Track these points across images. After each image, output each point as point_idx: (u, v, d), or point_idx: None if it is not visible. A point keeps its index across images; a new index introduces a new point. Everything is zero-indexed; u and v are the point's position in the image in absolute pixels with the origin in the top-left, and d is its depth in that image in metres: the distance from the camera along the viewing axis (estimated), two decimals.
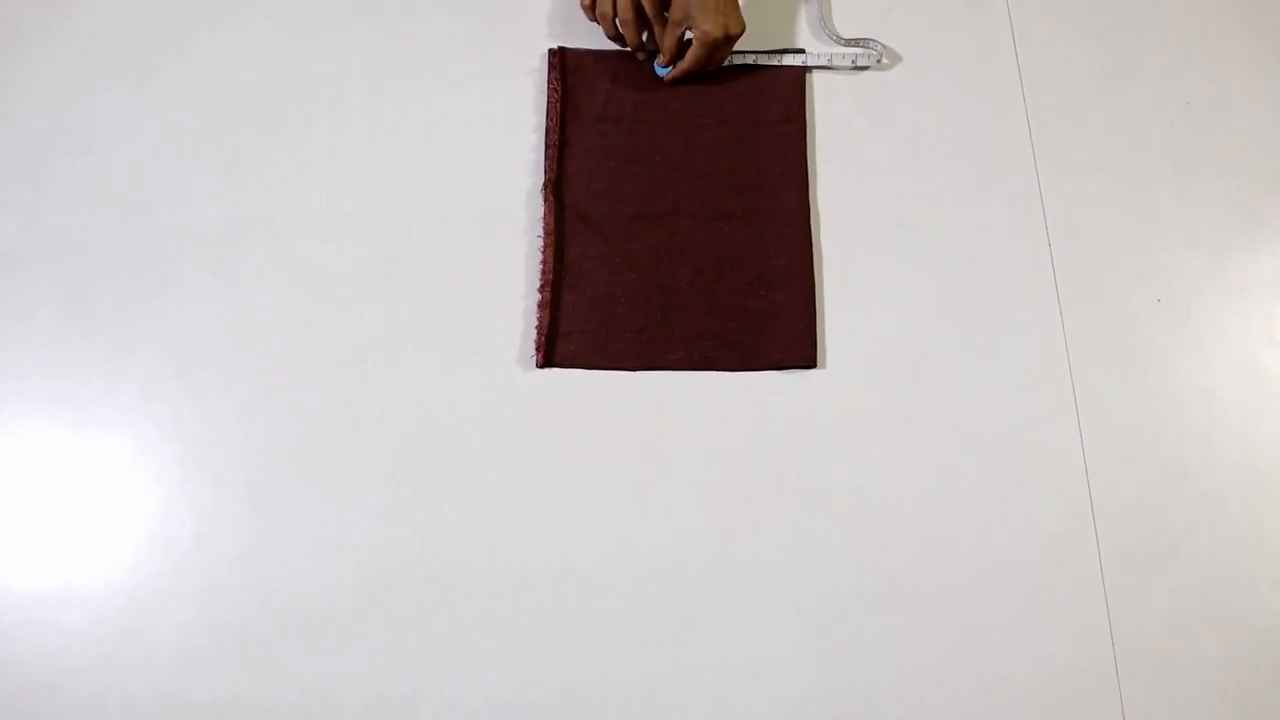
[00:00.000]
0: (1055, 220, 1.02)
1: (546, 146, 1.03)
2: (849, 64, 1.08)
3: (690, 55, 1.03)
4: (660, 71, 1.06)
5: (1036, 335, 0.98)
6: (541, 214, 1.01)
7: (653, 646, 0.88)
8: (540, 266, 0.99)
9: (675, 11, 1.01)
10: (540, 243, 1.00)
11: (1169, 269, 1.01)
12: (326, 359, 0.96)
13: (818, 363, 0.96)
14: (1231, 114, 1.07)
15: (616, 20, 1.04)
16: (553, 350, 0.96)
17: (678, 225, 1.01)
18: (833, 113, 1.06)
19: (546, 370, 0.96)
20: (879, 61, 1.08)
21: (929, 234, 1.02)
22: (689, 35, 1.03)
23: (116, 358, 0.96)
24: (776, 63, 1.07)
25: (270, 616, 0.89)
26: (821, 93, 1.07)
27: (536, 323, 0.97)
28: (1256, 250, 1.02)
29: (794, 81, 1.07)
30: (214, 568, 0.90)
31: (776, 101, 1.06)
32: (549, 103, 1.05)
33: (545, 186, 1.02)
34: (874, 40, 1.09)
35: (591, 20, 1.05)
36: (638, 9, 1.03)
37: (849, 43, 1.09)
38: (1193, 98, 1.07)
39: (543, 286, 0.98)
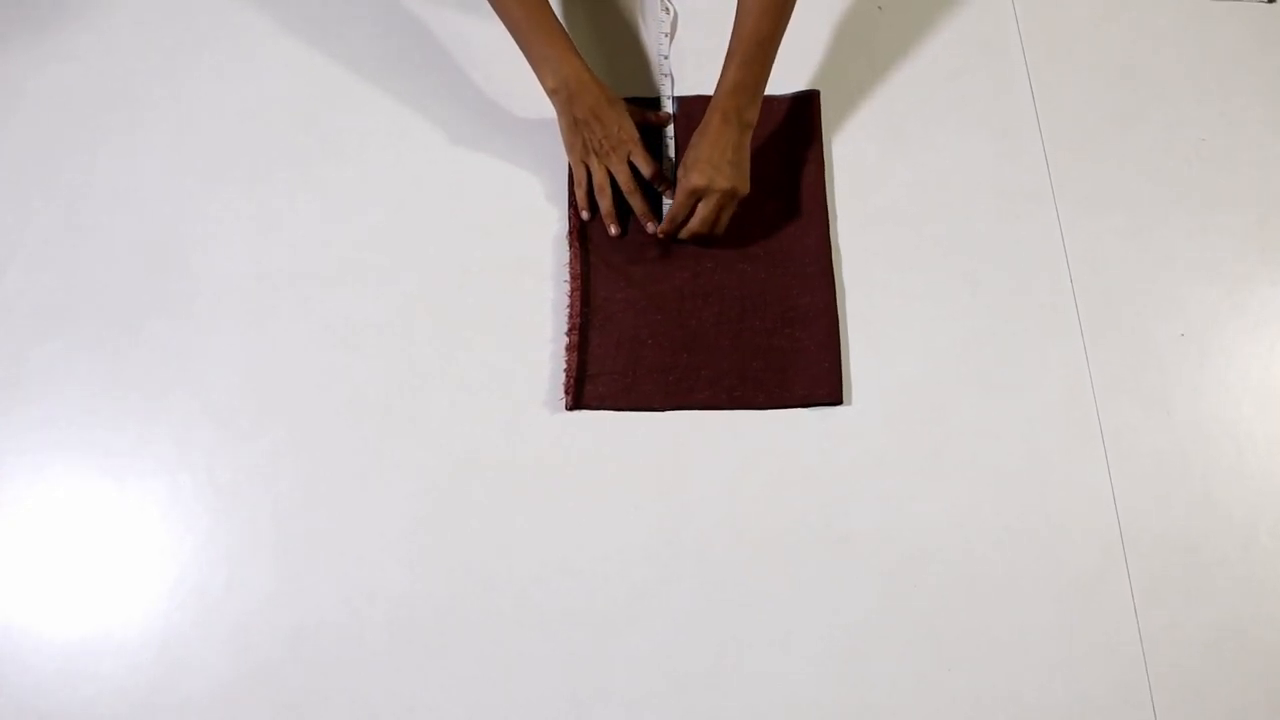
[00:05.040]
0: (1076, 257, 1.03)
1: (570, 193, 1.05)
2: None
3: (672, 207, 1.01)
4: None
5: (1061, 371, 0.99)
6: (567, 259, 1.02)
7: (684, 687, 0.88)
8: (567, 310, 1.00)
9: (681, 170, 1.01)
10: (567, 287, 1.01)
11: (1190, 303, 1.02)
12: (357, 407, 0.98)
13: (844, 399, 0.97)
14: (1247, 148, 1.08)
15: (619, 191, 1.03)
16: (581, 392, 0.97)
17: (701, 266, 1.02)
18: (851, 155, 1.08)
19: (575, 412, 0.97)
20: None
21: (951, 272, 1.03)
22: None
23: (150, 408, 0.98)
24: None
25: (302, 662, 0.89)
26: (839, 136, 1.09)
27: (565, 366, 0.98)
28: (1277, 281, 1.03)
29: (809, 123, 1.09)
30: (246, 614, 0.90)
31: (793, 144, 1.08)
32: None
33: (570, 233, 1.03)
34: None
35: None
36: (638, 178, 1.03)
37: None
38: (1207, 133, 1.09)
39: (570, 330, 0.99)
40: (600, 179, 1.02)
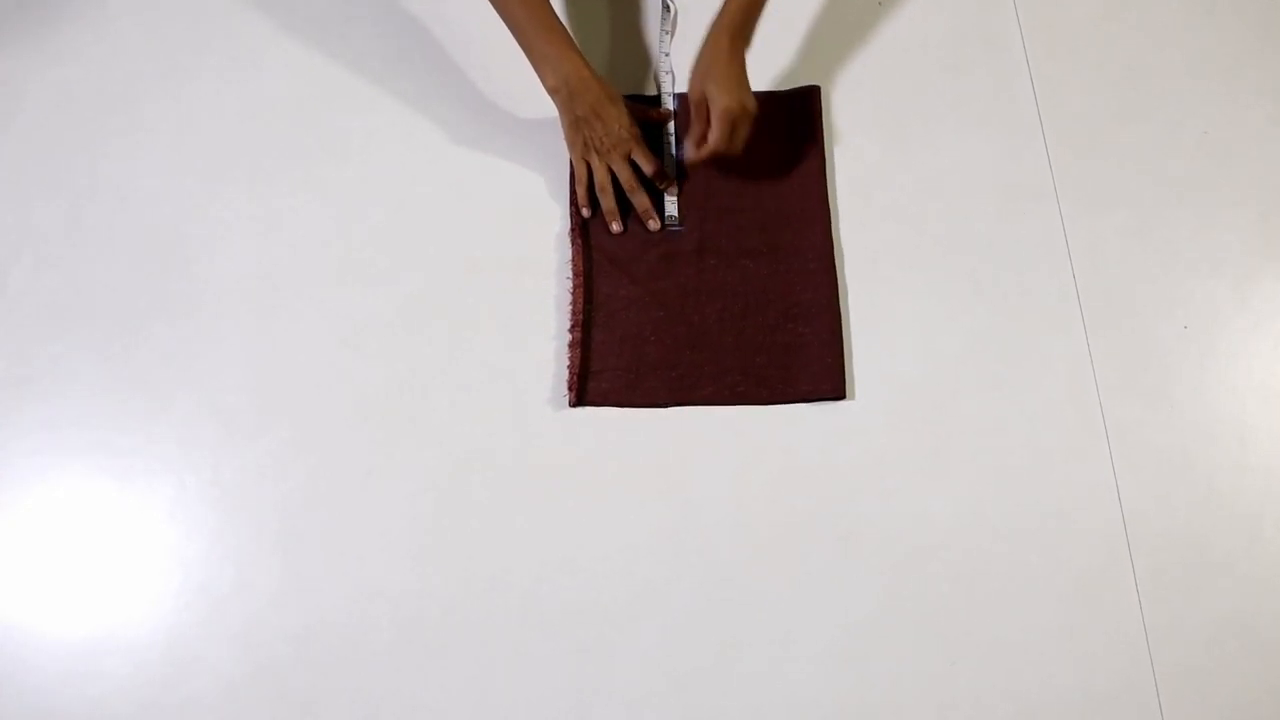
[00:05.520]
0: (1079, 253, 1.03)
1: (572, 190, 1.05)
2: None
3: (714, 134, 0.99)
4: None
5: (1065, 366, 0.98)
6: (570, 256, 1.02)
7: (687, 685, 0.88)
8: (570, 307, 1.00)
9: (693, 92, 1.00)
10: (570, 284, 1.01)
11: (1193, 298, 1.01)
12: (360, 406, 0.98)
13: (847, 394, 0.97)
14: (1249, 143, 1.08)
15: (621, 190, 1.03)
16: (585, 389, 0.97)
17: (704, 263, 1.02)
18: (853, 151, 1.08)
19: (579, 409, 0.97)
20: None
21: (954, 268, 1.03)
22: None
23: (154, 408, 0.98)
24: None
25: (307, 661, 0.89)
26: (840, 132, 1.09)
27: (568, 363, 0.98)
28: None
29: (810, 119, 1.09)
30: (251, 613, 0.91)
31: (795, 139, 1.08)
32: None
33: (573, 229, 1.03)
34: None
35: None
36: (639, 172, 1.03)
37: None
38: (1210, 128, 1.09)
39: (573, 327, 0.99)
40: (601, 177, 1.02)
